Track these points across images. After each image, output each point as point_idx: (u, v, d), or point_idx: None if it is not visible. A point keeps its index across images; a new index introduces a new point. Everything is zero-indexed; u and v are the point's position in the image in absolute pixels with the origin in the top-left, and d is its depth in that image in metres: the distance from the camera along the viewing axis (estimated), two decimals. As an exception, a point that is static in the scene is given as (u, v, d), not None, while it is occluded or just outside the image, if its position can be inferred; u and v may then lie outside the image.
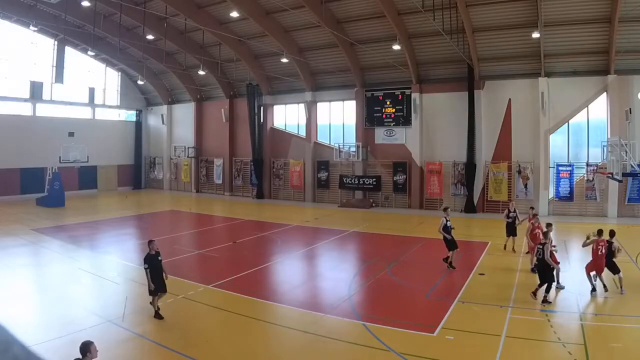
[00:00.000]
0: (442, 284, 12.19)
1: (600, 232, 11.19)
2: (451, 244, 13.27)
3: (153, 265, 9.46)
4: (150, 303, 9.53)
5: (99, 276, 12.87)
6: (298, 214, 25.38)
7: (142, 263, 9.64)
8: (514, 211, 15.46)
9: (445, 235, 13.25)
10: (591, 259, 11.16)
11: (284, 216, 24.46)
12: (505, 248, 15.60)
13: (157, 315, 9.39)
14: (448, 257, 13.30)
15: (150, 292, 9.44)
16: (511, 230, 15.37)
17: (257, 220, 23.58)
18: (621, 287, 10.80)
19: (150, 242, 9.88)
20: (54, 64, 33.17)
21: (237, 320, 9.61)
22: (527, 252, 14.46)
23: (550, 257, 10.52)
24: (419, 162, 26.53)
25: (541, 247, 10.65)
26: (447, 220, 13.35)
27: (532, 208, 15.84)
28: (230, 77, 32.93)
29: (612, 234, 11.21)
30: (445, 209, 14.39)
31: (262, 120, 32.52)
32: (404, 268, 13.82)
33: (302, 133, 31.38)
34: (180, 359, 7.72)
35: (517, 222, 15.36)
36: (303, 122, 31.29)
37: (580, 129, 23.49)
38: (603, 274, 11.01)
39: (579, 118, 23.24)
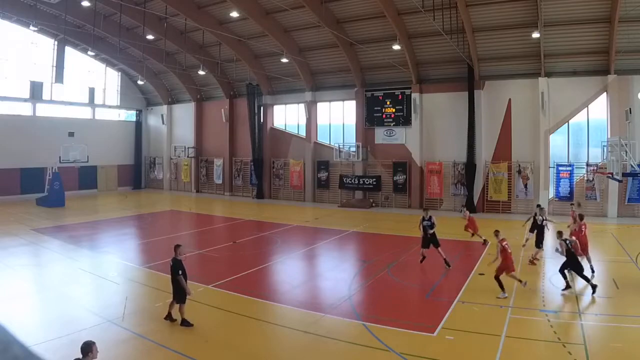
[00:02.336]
0: (442, 284, 12.19)
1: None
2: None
3: (183, 271, 9.14)
4: (179, 311, 9.14)
5: (99, 276, 12.86)
6: (298, 214, 25.37)
7: (173, 269, 9.10)
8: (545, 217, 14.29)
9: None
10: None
11: (284, 216, 24.46)
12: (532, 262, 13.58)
13: (186, 323, 9.01)
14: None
15: (184, 300, 9.06)
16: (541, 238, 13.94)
17: (257, 220, 23.57)
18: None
19: (177, 246, 9.38)
20: (54, 64, 33.16)
21: (237, 320, 9.61)
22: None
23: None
24: (419, 162, 26.52)
25: None
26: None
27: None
28: (230, 77, 32.93)
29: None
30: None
31: (262, 120, 32.51)
32: (404, 268, 13.82)
33: (302, 133, 31.38)
34: (180, 359, 7.73)
35: (546, 229, 14.23)
36: (303, 122, 31.28)
37: (580, 129, 23.50)
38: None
39: (579, 118, 23.25)
